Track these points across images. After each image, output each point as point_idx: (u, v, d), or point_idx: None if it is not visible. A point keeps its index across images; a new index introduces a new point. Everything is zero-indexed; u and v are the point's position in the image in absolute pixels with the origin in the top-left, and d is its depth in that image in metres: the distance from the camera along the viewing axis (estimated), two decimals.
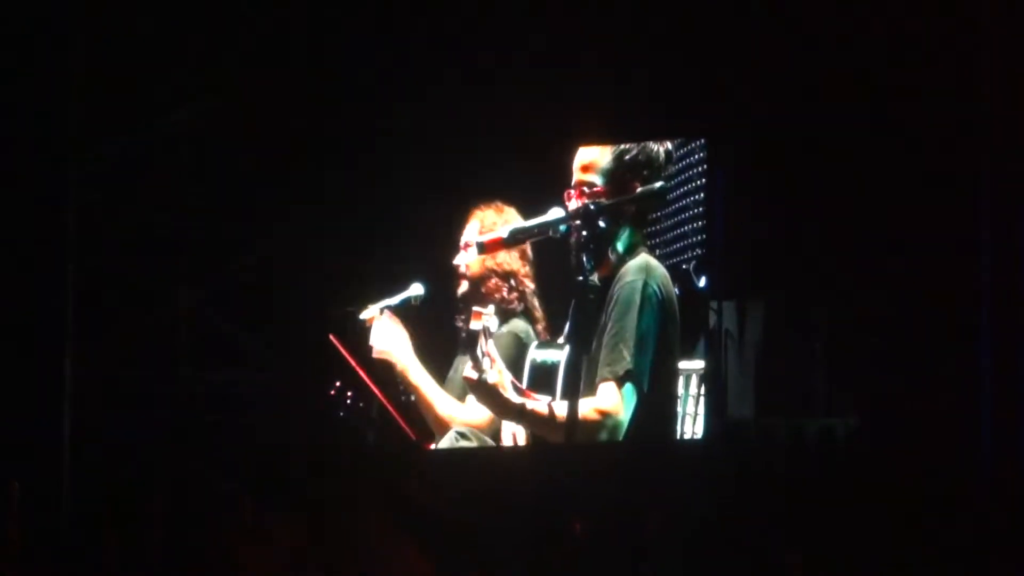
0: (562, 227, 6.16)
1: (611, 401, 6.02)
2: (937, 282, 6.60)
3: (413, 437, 6.81)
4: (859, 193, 6.73)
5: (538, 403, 6.05)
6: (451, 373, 6.90)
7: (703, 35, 6.89)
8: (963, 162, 6.61)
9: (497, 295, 6.78)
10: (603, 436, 6.05)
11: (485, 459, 6.57)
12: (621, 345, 6.03)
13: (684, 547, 6.11)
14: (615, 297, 6.10)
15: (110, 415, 7.56)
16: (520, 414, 6.03)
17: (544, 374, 6.24)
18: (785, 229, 6.81)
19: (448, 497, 6.71)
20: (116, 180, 7.67)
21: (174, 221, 7.74)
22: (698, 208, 6.44)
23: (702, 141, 6.49)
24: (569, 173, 6.27)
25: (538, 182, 6.48)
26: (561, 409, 5.96)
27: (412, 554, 6.45)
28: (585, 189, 6.20)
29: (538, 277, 6.85)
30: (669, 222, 6.43)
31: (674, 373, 6.23)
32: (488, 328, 5.93)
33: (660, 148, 6.24)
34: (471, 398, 6.51)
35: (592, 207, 6.10)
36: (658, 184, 6.17)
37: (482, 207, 6.88)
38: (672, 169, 6.30)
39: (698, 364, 6.35)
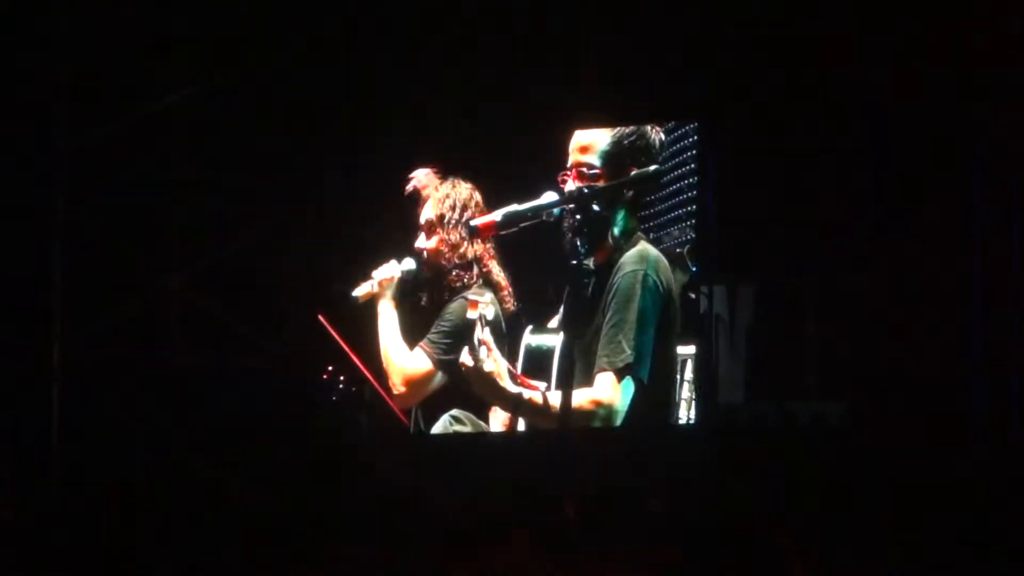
0: (556, 211, 6.17)
1: (608, 392, 6.04)
2: (929, 266, 6.61)
3: (406, 422, 6.81)
4: (851, 178, 6.73)
5: (534, 392, 6.05)
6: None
7: (696, 18, 6.88)
8: (956, 148, 6.62)
9: (458, 283, 6.75)
10: (597, 425, 6.06)
11: (478, 444, 6.57)
12: (620, 336, 6.04)
13: (678, 531, 6.12)
14: (615, 287, 6.10)
15: (99, 397, 7.52)
16: (516, 404, 6.04)
17: (539, 359, 6.24)
18: (777, 213, 6.81)
19: (441, 482, 6.72)
20: (104, 162, 7.63)
21: (162, 203, 7.71)
22: (691, 192, 6.43)
23: (695, 124, 6.47)
24: (564, 156, 6.26)
25: (533, 165, 6.47)
26: (556, 399, 5.97)
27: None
28: (584, 170, 6.19)
29: (510, 256, 6.82)
30: (663, 206, 6.42)
31: (673, 359, 6.25)
32: (484, 316, 5.93)
33: (656, 134, 6.24)
34: (418, 350, 6.65)
35: (586, 191, 6.10)
36: (652, 168, 6.18)
37: (433, 186, 6.85)
38: (665, 153, 6.29)
39: (691, 350, 6.35)
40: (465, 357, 5.96)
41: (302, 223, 7.61)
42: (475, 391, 6.12)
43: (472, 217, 6.62)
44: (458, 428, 6.55)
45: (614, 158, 6.19)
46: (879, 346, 6.65)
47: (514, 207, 6.30)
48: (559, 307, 6.42)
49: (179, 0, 7.67)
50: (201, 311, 7.61)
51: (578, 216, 6.09)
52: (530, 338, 6.31)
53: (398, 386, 6.75)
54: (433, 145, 7.01)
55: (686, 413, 6.32)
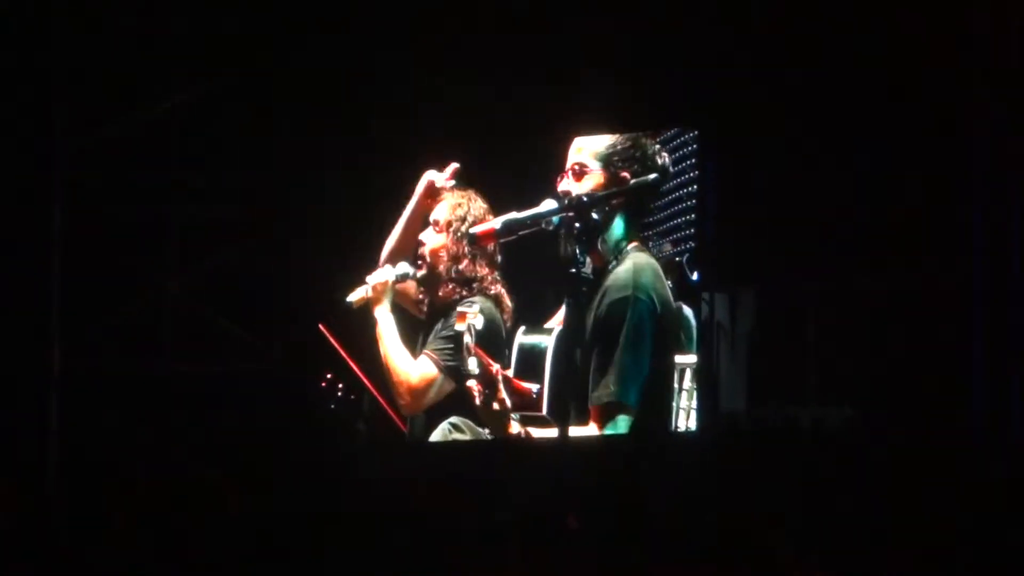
0: (555, 219, 6.16)
1: (597, 427, 6.10)
2: (929, 271, 6.59)
3: (404, 429, 6.80)
4: (851, 183, 6.71)
5: (532, 428, 6.14)
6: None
7: (697, 26, 6.86)
8: (955, 152, 6.61)
9: (453, 296, 6.72)
10: None
11: (477, 452, 6.57)
12: (607, 371, 6.06)
13: (679, 538, 6.11)
14: (601, 314, 6.10)
15: (97, 405, 7.51)
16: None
17: (531, 359, 6.24)
18: (776, 220, 6.79)
19: (439, 490, 6.70)
20: (102, 168, 7.61)
21: (161, 208, 7.69)
22: (691, 200, 6.42)
23: (694, 132, 6.46)
24: (562, 164, 6.25)
25: (531, 173, 6.46)
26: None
27: None
28: (576, 168, 6.19)
29: (508, 268, 6.79)
30: (662, 215, 6.40)
31: (670, 368, 6.23)
32: (473, 327, 5.96)
33: (652, 143, 6.22)
34: (423, 357, 6.64)
35: (585, 199, 6.10)
36: (652, 176, 6.16)
37: (450, 190, 6.80)
38: (663, 163, 6.26)
39: (691, 359, 6.33)
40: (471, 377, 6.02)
41: (302, 228, 7.59)
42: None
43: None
44: (457, 436, 6.55)
45: (606, 159, 6.18)
46: (880, 351, 6.64)
47: (513, 215, 6.29)
48: (556, 308, 6.42)
49: (179, 2, 7.64)
50: (200, 317, 7.59)
51: (577, 224, 6.08)
52: (523, 338, 6.30)
53: (404, 395, 6.72)
54: (432, 149, 6.99)
55: (684, 422, 6.30)
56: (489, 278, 6.70)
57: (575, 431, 6.13)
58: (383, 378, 6.76)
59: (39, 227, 7.53)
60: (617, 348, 6.06)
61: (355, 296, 6.81)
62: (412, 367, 6.70)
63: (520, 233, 6.27)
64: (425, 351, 6.71)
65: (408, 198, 6.83)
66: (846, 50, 6.68)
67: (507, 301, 6.70)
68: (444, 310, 6.72)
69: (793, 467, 6.48)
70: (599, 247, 6.17)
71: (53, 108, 7.56)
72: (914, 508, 6.21)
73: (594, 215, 6.08)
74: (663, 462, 6.40)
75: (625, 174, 6.18)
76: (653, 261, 6.19)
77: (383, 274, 6.80)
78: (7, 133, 7.53)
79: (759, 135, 6.81)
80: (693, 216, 6.39)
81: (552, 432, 6.16)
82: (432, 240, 6.75)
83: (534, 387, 6.15)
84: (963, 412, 6.54)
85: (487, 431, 6.50)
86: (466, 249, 6.65)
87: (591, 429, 6.13)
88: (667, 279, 6.19)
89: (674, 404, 6.30)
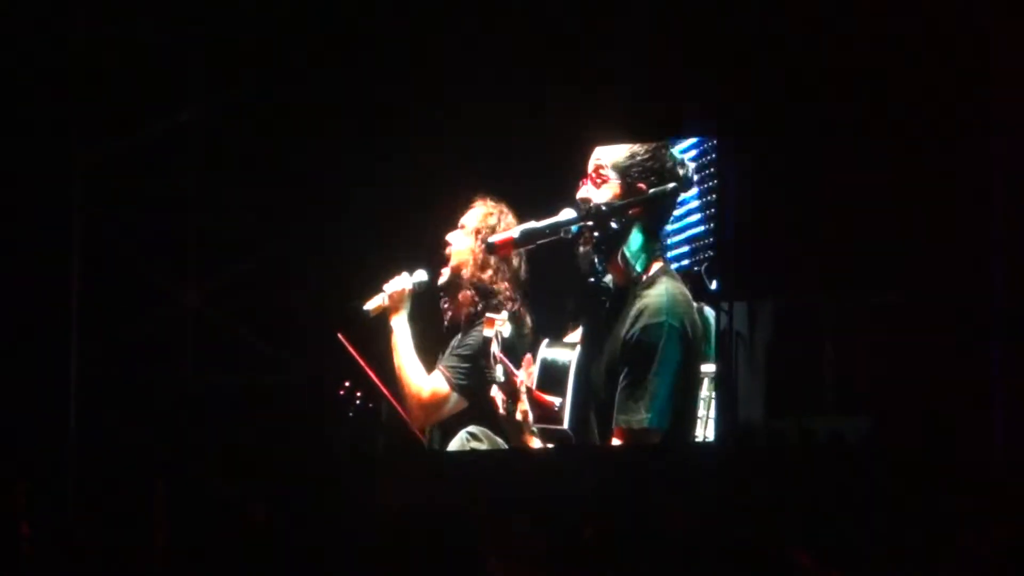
0: (573, 228, 6.16)
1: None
2: (948, 281, 6.57)
3: (422, 438, 6.78)
4: (870, 193, 6.69)
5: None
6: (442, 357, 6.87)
7: (717, 36, 6.85)
8: (973, 160, 6.59)
9: (472, 307, 6.70)
10: None
11: (496, 461, 6.56)
12: (639, 396, 6.04)
13: (696, 549, 6.09)
14: (633, 337, 6.08)
15: (116, 415, 7.52)
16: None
17: (554, 373, 6.23)
18: (796, 230, 6.78)
19: (459, 499, 6.69)
20: (121, 178, 7.63)
21: (179, 220, 7.70)
22: (709, 210, 6.42)
23: (714, 142, 6.45)
24: (581, 173, 6.26)
25: (550, 182, 6.47)
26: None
27: None
28: (594, 176, 6.20)
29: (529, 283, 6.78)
30: (681, 224, 6.40)
31: (697, 386, 6.24)
32: (500, 333, 5.94)
33: (675, 164, 6.20)
34: (436, 373, 6.63)
35: (604, 208, 6.09)
36: (670, 185, 6.16)
37: (484, 199, 6.80)
38: (684, 173, 6.25)
39: (710, 368, 6.32)
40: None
41: (320, 239, 7.59)
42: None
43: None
44: (475, 445, 6.54)
45: (625, 170, 6.17)
46: (898, 363, 6.62)
47: (532, 224, 6.29)
48: (577, 322, 6.41)
49: (201, 12, 7.67)
50: (218, 328, 7.60)
51: (596, 233, 6.08)
52: (546, 352, 6.29)
53: (414, 409, 6.70)
54: (452, 160, 7.00)
55: (702, 431, 6.29)
56: (508, 294, 6.68)
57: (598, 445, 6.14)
58: (397, 389, 6.76)
59: (59, 237, 7.54)
60: (650, 374, 6.05)
61: (372, 304, 6.79)
62: (425, 382, 6.68)
63: (539, 242, 6.29)
64: (439, 367, 6.69)
65: (429, 208, 6.84)
66: (863, 55, 6.67)
67: (527, 319, 6.69)
68: (461, 324, 6.71)
69: (811, 478, 6.46)
70: (619, 260, 6.16)
71: (72, 118, 7.57)
72: (933, 519, 6.19)
73: (613, 224, 6.08)
74: (682, 473, 6.39)
75: (641, 185, 6.17)
76: (683, 286, 6.19)
77: (400, 282, 6.78)
78: (27, 143, 7.55)
79: (780, 145, 6.79)
80: (712, 225, 6.39)
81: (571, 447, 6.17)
82: (459, 243, 6.73)
83: (556, 400, 6.15)
84: (983, 423, 6.51)
85: (505, 441, 6.49)
86: (493, 259, 6.62)
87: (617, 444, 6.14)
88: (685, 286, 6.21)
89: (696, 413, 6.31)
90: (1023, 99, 6.54)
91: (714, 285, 6.36)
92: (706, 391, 6.30)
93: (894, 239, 6.68)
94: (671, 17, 6.92)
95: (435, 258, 6.81)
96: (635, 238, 6.18)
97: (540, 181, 6.66)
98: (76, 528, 7.24)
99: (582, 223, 6.14)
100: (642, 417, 6.02)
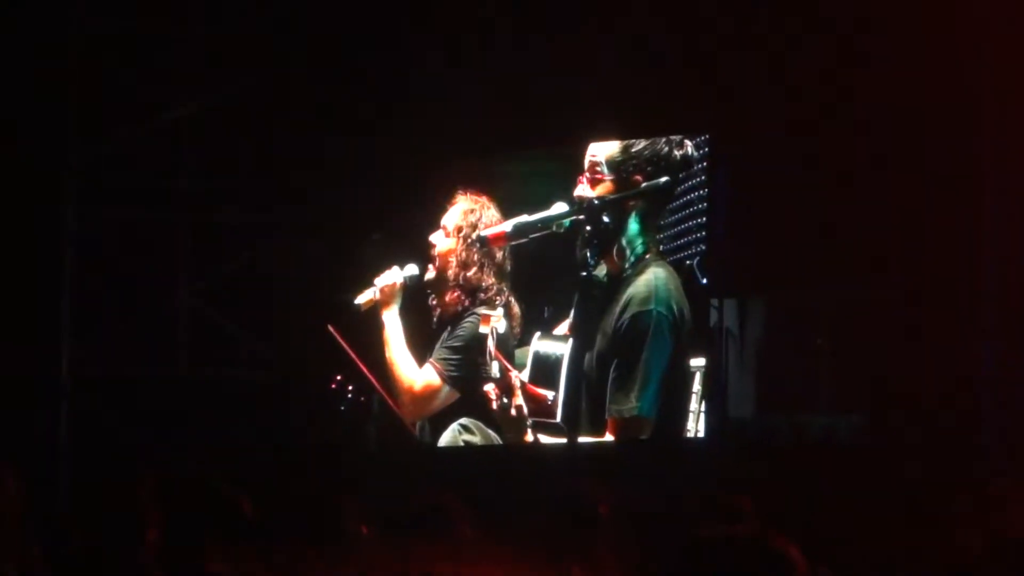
0: (566, 222, 6.16)
1: (615, 438, 6.10)
2: (940, 277, 6.57)
3: (414, 432, 6.78)
4: (862, 188, 6.69)
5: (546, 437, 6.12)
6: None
7: (709, 32, 6.85)
8: (965, 156, 6.59)
9: (459, 306, 6.71)
10: None
11: (487, 455, 6.55)
12: (628, 384, 6.04)
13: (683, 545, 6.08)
14: (623, 326, 6.08)
15: (108, 411, 7.51)
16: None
17: (547, 366, 6.23)
18: (787, 225, 6.77)
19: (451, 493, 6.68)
20: (114, 173, 7.63)
21: (171, 215, 7.70)
22: (702, 204, 6.41)
23: (706, 137, 6.45)
24: (574, 167, 6.26)
25: (542, 177, 6.47)
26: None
27: None
28: (589, 174, 6.19)
29: (517, 277, 6.77)
30: (674, 217, 6.40)
31: (687, 377, 6.24)
32: (496, 330, 5.95)
33: (674, 148, 6.20)
34: (427, 366, 6.62)
35: (597, 202, 6.09)
36: (663, 179, 6.16)
37: (465, 192, 6.80)
38: (683, 152, 6.24)
39: (701, 362, 6.32)
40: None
41: (310, 234, 7.59)
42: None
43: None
44: (467, 437, 6.54)
45: (619, 166, 6.17)
46: (890, 359, 6.61)
47: (524, 218, 6.30)
48: (568, 314, 6.41)
49: (187, 11, 7.67)
50: (210, 323, 7.60)
51: (588, 227, 6.08)
52: (538, 344, 6.30)
53: (407, 403, 6.71)
54: (442, 154, 7.00)
55: (694, 426, 6.28)
56: (495, 289, 6.69)
57: (589, 441, 6.13)
58: (388, 383, 6.76)
59: (51, 232, 7.54)
60: (639, 362, 6.05)
61: (363, 298, 6.80)
62: (416, 375, 6.69)
63: (531, 236, 6.30)
64: (430, 360, 6.70)
65: (419, 201, 6.84)
66: (856, 52, 6.67)
67: (515, 311, 6.69)
68: (450, 319, 6.71)
69: (803, 475, 6.46)
70: (615, 252, 6.16)
71: (65, 113, 7.57)
72: (926, 516, 6.18)
73: (605, 218, 6.08)
74: (670, 466, 6.39)
75: (637, 177, 6.17)
76: (672, 272, 6.18)
77: (391, 276, 6.78)
78: (20, 138, 7.54)
79: (770, 140, 6.79)
80: (703, 220, 6.38)
81: (563, 439, 6.16)
82: (442, 244, 6.74)
83: (549, 394, 6.15)
84: (974, 419, 6.50)
85: (497, 432, 6.49)
86: (476, 256, 6.63)
87: (607, 440, 6.13)
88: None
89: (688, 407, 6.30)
90: (1015, 96, 6.54)
91: (705, 279, 6.36)
92: (698, 385, 6.30)
93: (886, 235, 6.68)
94: (662, 13, 6.93)
95: (426, 253, 6.82)
96: (631, 231, 6.17)
97: (535, 177, 6.66)
98: (68, 525, 7.24)
99: (574, 217, 6.13)
100: (632, 406, 6.03)
